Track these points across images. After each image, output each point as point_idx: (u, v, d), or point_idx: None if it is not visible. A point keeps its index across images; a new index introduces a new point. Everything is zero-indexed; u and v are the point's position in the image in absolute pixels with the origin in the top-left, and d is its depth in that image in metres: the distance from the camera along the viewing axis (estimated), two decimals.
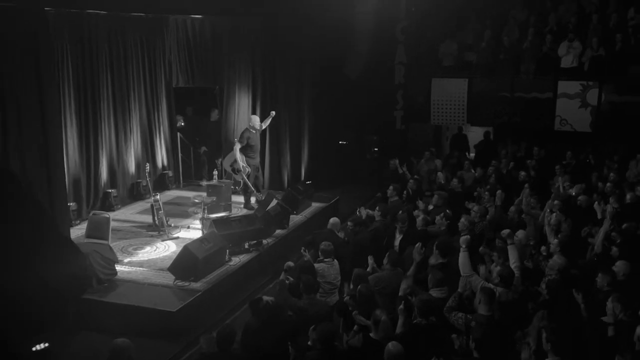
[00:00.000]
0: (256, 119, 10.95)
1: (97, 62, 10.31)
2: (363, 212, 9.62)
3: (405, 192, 11.02)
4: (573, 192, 9.48)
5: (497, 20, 14.49)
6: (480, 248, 7.70)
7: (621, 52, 12.75)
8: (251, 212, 9.76)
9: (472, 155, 14.87)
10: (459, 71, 14.08)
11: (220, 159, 12.15)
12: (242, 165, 10.46)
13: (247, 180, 10.57)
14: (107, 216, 8.19)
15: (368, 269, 7.51)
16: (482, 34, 14.19)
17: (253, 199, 10.76)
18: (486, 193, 10.06)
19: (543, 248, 7.93)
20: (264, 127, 11.29)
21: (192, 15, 11.88)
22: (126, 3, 10.42)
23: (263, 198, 10.38)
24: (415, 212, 9.48)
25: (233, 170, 10.54)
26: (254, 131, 10.79)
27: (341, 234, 8.83)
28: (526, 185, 10.24)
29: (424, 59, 14.52)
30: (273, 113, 11.29)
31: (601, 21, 13.39)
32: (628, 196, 9.59)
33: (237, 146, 10.58)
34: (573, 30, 13.32)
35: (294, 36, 12.04)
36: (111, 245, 8.21)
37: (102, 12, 10.27)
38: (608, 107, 12.83)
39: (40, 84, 7.83)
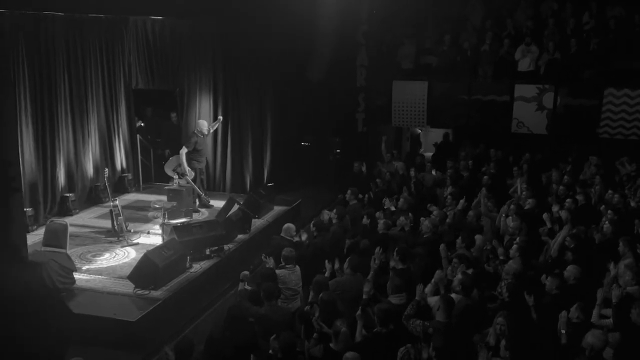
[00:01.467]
0: (204, 124, 11.06)
1: (54, 63, 10.12)
2: (326, 215, 9.70)
3: (367, 195, 11.16)
4: (528, 204, 9.68)
5: (455, 24, 14.70)
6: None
7: (576, 56, 13.09)
8: (212, 218, 9.72)
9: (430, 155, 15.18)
10: (419, 74, 14.24)
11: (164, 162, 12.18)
12: (188, 170, 10.56)
13: (192, 183, 10.68)
14: (65, 223, 8.06)
15: (326, 274, 7.58)
16: (440, 38, 14.38)
17: (199, 202, 10.91)
18: (449, 197, 10.26)
19: (500, 251, 8.13)
20: (211, 131, 11.46)
21: (152, 17, 11.73)
22: (84, 4, 10.23)
23: (209, 200, 10.63)
24: (377, 214, 9.61)
25: (177, 174, 10.60)
26: (202, 136, 10.91)
27: (304, 237, 8.89)
28: (483, 187, 10.46)
29: (385, 62, 14.63)
30: (220, 118, 11.53)
31: (557, 25, 13.72)
32: (580, 197, 9.90)
33: (184, 150, 10.68)
34: (530, 34, 13.61)
35: (255, 39, 12.00)
36: (69, 252, 8.08)
37: (59, 13, 10.08)
38: (563, 110, 13.16)
39: None
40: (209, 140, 12.03)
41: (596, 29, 13.34)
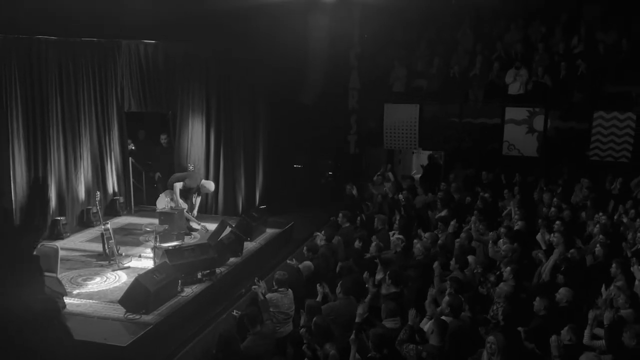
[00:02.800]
0: (211, 185, 11.19)
1: (46, 86, 10.12)
2: (319, 238, 9.71)
3: (358, 217, 11.19)
4: (519, 226, 9.74)
5: (446, 47, 14.87)
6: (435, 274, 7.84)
7: (566, 80, 13.24)
8: (204, 241, 9.68)
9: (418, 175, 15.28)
10: (410, 97, 14.35)
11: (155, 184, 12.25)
12: (181, 202, 10.61)
13: (187, 214, 10.73)
14: (56, 247, 8.00)
15: (318, 298, 7.57)
16: (431, 61, 14.53)
17: (195, 224, 10.95)
18: (438, 220, 10.29)
19: (492, 275, 8.14)
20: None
21: (145, 41, 11.79)
22: (77, 29, 10.29)
23: (206, 229, 10.70)
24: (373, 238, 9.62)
25: (170, 209, 10.58)
26: (197, 187, 11.03)
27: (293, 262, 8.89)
28: (475, 211, 10.50)
29: (377, 85, 14.75)
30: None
31: (547, 49, 13.89)
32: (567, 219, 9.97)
33: (180, 186, 10.71)
34: (519, 58, 13.78)
35: (248, 62, 12.06)
36: (60, 276, 8.02)
37: (52, 37, 10.13)
38: (554, 133, 13.28)
39: None
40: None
41: (585, 53, 13.52)
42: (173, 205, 10.63)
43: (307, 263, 8.65)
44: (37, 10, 9.58)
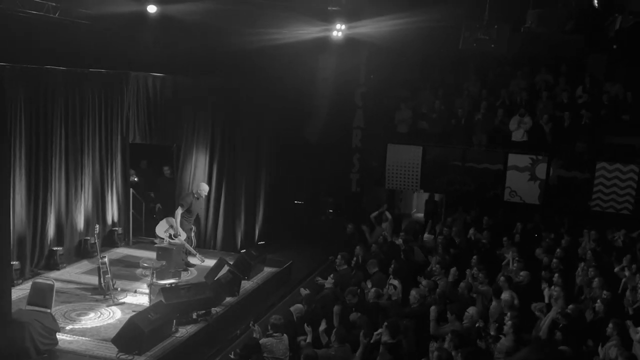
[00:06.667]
0: (205, 188, 11.12)
1: (51, 116, 10.16)
2: (320, 283, 9.67)
3: (354, 259, 11.07)
4: (520, 277, 9.65)
5: (450, 90, 14.95)
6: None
7: (570, 129, 13.28)
8: (201, 279, 9.60)
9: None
10: (414, 138, 14.39)
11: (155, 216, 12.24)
12: (180, 230, 10.57)
13: (186, 244, 10.66)
14: (51, 283, 7.91)
15: (307, 339, 7.44)
16: (435, 104, 14.60)
17: (194, 260, 10.89)
18: (437, 265, 10.20)
19: (492, 327, 8.02)
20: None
21: (153, 74, 11.87)
22: (87, 60, 10.36)
23: (203, 260, 10.68)
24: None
25: (170, 236, 10.49)
26: (198, 198, 10.95)
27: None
28: (474, 257, 10.42)
29: (381, 125, 14.81)
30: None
31: (551, 98, 13.97)
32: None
33: (179, 211, 10.66)
34: (524, 105, 13.84)
35: (255, 98, 12.14)
36: (54, 310, 7.92)
37: (60, 67, 10.19)
38: (556, 181, 13.26)
39: None
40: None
41: (589, 103, 13.58)
42: (172, 232, 10.54)
43: (298, 306, 8.53)
44: (47, 42, 9.70)
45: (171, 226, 10.57)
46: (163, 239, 10.38)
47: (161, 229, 10.65)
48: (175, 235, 10.42)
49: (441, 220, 14.03)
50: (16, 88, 9.40)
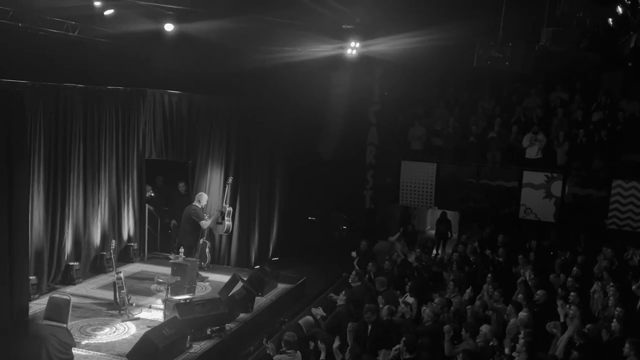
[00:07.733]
0: (204, 197, 11.34)
1: (70, 132, 10.31)
2: (333, 299, 9.64)
3: (366, 275, 11.04)
4: (538, 296, 9.56)
5: (465, 108, 14.97)
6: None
7: (585, 147, 13.22)
8: (215, 295, 9.64)
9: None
10: (428, 155, 14.40)
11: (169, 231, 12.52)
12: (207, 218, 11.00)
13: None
14: (68, 298, 7.98)
15: (322, 357, 7.42)
16: (449, 121, 14.62)
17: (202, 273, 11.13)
18: (451, 283, 10.15)
19: (506, 347, 7.97)
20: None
21: (170, 91, 12.03)
22: (105, 78, 10.52)
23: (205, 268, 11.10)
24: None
25: (222, 214, 11.10)
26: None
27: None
28: (489, 275, 10.35)
29: (395, 142, 14.84)
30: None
31: (566, 115, 13.93)
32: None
33: (207, 223, 10.92)
34: (538, 122, 13.81)
35: (269, 115, 12.24)
36: (70, 325, 7.98)
37: (79, 85, 10.36)
38: (572, 199, 13.19)
39: (9, 158, 7.72)
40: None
41: (605, 121, 13.52)
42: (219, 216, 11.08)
43: (308, 318, 8.50)
44: (67, 60, 9.89)
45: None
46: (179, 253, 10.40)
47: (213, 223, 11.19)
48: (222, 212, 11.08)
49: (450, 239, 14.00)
50: (36, 105, 9.55)
